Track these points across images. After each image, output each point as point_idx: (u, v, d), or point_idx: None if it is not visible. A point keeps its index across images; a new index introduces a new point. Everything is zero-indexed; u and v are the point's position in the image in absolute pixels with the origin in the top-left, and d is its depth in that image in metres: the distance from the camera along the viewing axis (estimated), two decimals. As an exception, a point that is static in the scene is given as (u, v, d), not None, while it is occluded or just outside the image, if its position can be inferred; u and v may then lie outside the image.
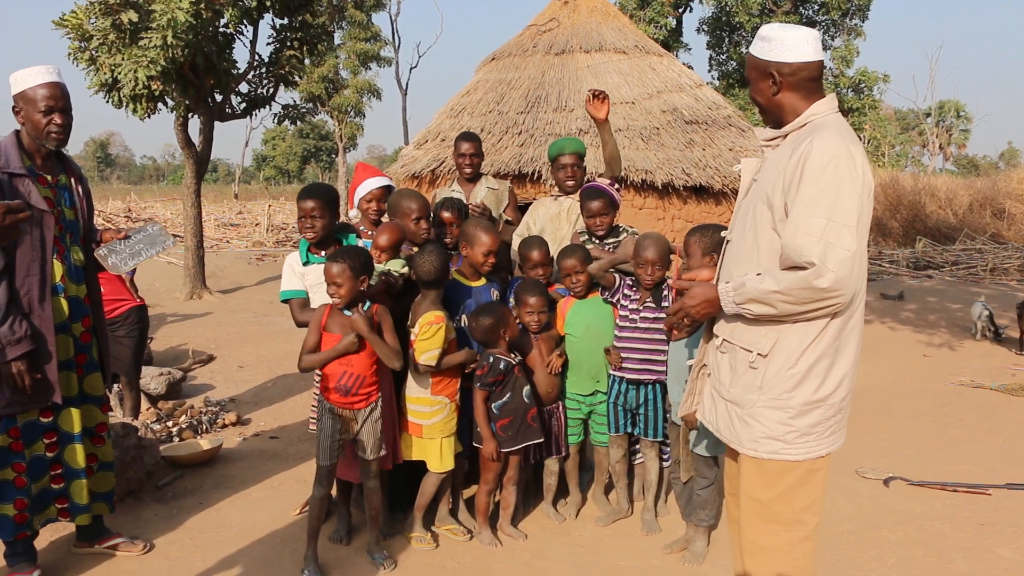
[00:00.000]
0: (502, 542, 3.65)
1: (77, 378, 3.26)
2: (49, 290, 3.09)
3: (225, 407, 5.82)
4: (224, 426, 5.37)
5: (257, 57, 10.94)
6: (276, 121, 12.20)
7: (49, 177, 3.20)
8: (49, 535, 3.57)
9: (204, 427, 5.26)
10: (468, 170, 4.73)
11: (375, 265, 3.43)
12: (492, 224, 3.96)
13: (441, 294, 3.52)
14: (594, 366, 3.83)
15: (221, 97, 10.72)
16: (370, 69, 32.34)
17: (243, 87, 11.04)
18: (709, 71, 25.41)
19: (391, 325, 3.33)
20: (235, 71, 10.61)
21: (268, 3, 10.23)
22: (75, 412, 3.23)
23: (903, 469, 4.58)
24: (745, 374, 2.28)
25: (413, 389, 3.54)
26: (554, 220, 4.31)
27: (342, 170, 32.50)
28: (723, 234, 2.57)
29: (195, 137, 10.99)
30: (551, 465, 3.88)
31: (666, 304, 3.63)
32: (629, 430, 3.80)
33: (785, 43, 2.24)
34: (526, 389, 3.59)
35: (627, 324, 3.73)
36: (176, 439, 4.97)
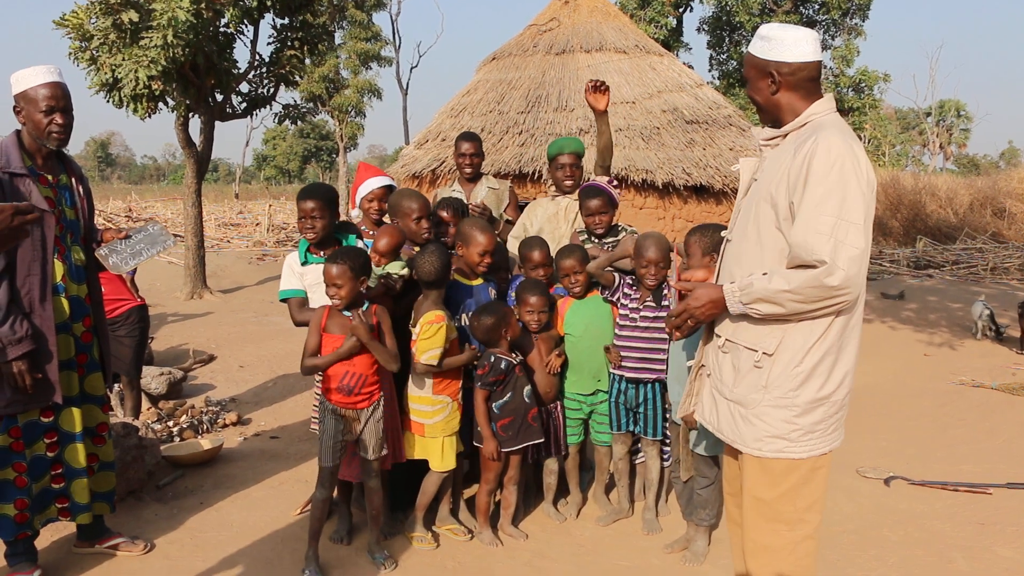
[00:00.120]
0: (503, 542, 3.65)
1: (78, 378, 3.26)
2: (50, 290, 3.09)
3: (226, 407, 5.82)
4: (225, 426, 5.37)
5: (258, 57, 10.94)
6: (277, 121, 12.20)
7: (50, 177, 3.20)
8: (50, 535, 3.57)
9: (205, 427, 5.26)
10: (468, 170, 4.73)
11: (374, 268, 3.43)
12: (489, 224, 3.95)
13: (443, 294, 3.52)
14: (595, 365, 3.83)
15: (222, 97, 10.72)
16: (371, 69, 32.35)
17: (244, 87, 11.04)
18: (709, 71, 25.42)
19: (390, 327, 3.33)
20: (236, 71, 10.61)
21: (269, 3, 10.23)
22: (76, 412, 3.23)
23: (904, 469, 4.58)
24: (749, 373, 2.29)
25: (415, 388, 3.54)
26: (552, 220, 4.31)
27: (343, 170, 32.50)
28: (723, 234, 2.57)
29: (196, 137, 10.99)
30: (551, 465, 3.88)
31: (666, 304, 3.63)
32: (631, 428, 3.80)
33: (785, 43, 2.25)
34: (527, 389, 3.59)
35: (627, 323, 3.73)
36: (177, 439, 4.97)
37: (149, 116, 9.68)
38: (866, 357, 7.26)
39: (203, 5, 8.81)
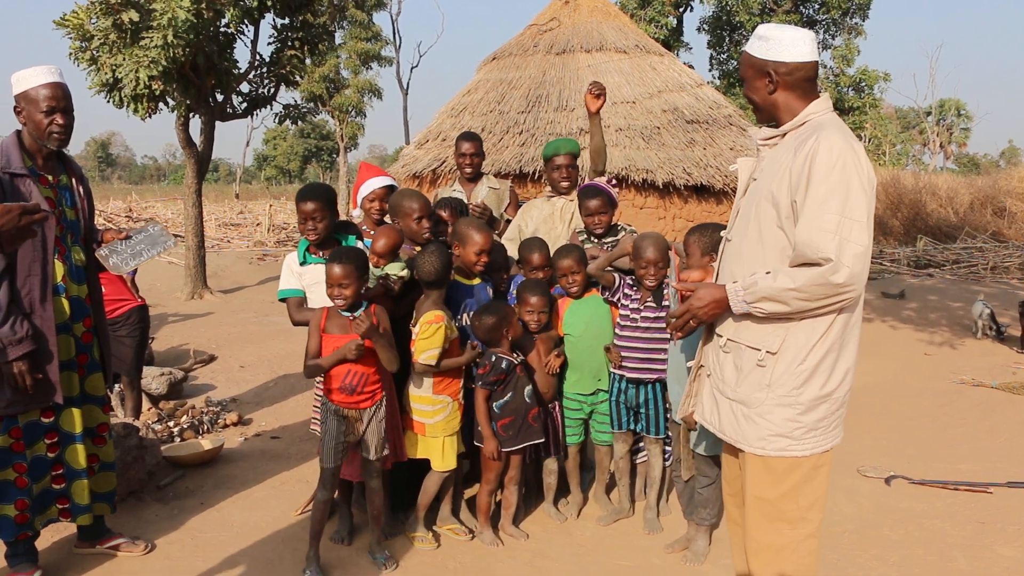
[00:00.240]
0: (504, 542, 3.65)
1: (78, 378, 3.26)
2: (50, 290, 3.09)
3: (226, 407, 5.82)
4: (225, 426, 5.37)
5: (258, 57, 10.94)
6: (277, 121, 12.19)
7: (50, 177, 3.21)
8: (50, 535, 3.58)
9: (205, 427, 5.26)
10: (469, 170, 4.73)
11: (373, 269, 3.43)
12: (485, 223, 3.95)
13: (443, 294, 3.52)
14: (595, 365, 3.83)
15: (222, 97, 10.72)
16: (371, 69, 32.35)
17: (244, 87, 11.04)
18: (710, 70, 25.44)
19: (388, 326, 3.33)
20: (236, 71, 10.61)
21: (269, 3, 10.22)
22: (76, 412, 3.23)
23: (904, 468, 4.58)
24: (752, 373, 2.29)
25: (415, 388, 3.54)
26: (548, 221, 4.31)
27: (343, 170, 32.50)
28: (722, 234, 2.58)
29: (196, 137, 10.99)
30: (550, 465, 3.88)
31: (667, 304, 3.63)
32: (632, 427, 3.80)
33: (783, 43, 2.26)
34: (528, 389, 3.59)
35: (628, 324, 3.73)
36: (177, 439, 4.97)
37: (149, 116, 9.68)
38: (867, 356, 7.26)
39: (203, 5, 8.81)
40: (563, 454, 3.91)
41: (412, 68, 53.10)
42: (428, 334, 3.38)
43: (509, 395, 3.55)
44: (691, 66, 11.22)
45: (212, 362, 7.35)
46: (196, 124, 11.00)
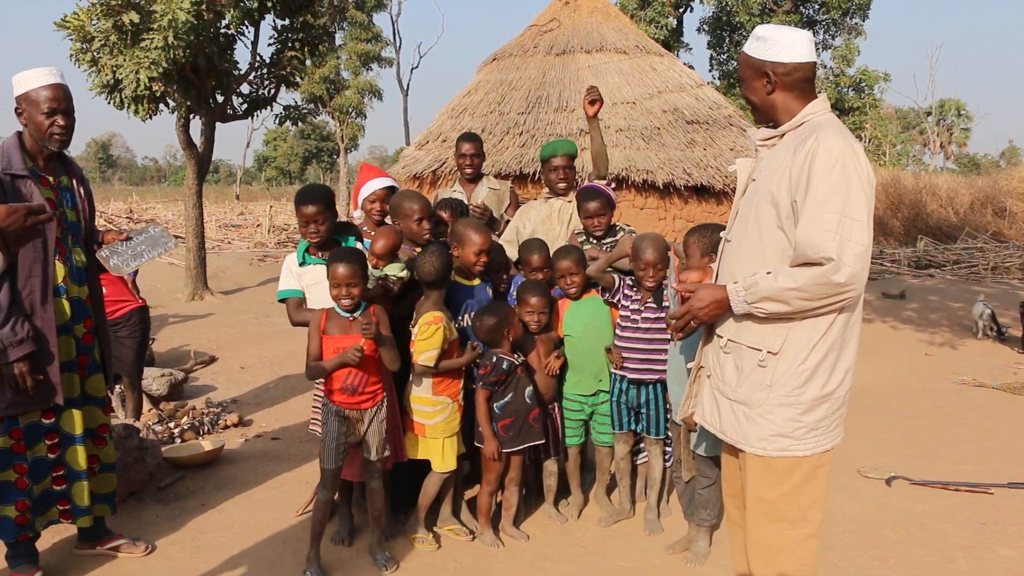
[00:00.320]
0: (504, 543, 3.65)
1: (79, 379, 3.26)
2: (51, 291, 3.09)
3: (227, 408, 5.82)
4: (226, 427, 5.37)
5: (258, 58, 10.94)
6: (277, 122, 12.19)
7: (51, 178, 3.21)
8: (51, 536, 3.58)
9: (206, 428, 5.26)
10: (469, 170, 4.73)
11: (372, 271, 3.44)
12: (483, 224, 3.95)
13: (443, 294, 3.53)
14: (595, 366, 3.83)
15: (222, 98, 10.72)
16: (371, 70, 32.34)
17: (244, 88, 11.04)
18: (710, 71, 25.45)
19: (388, 327, 3.33)
20: (236, 72, 10.61)
21: (269, 4, 10.23)
22: (77, 413, 3.24)
23: (905, 468, 4.58)
24: (753, 373, 2.29)
25: (415, 389, 3.54)
26: (546, 222, 4.31)
27: (343, 171, 32.51)
28: (721, 234, 2.58)
29: (196, 138, 10.99)
30: (550, 466, 3.88)
31: (666, 304, 3.63)
32: (633, 427, 3.80)
33: (781, 43, 2.27)
34: (528, 389, 3.59)
35: (629, 324, 3.73)
36: (178, 440, 4.97)
37: (150, 117, 9.69)
38: (867, 357, 7.26)
39: (203, 6, 8.82)
40: (563, 455, 3.91)
41: (412, 69, 53.20)
42: (427, 335, 3.38)
43: (510, 396, 3.55)
44: (691, 67, 11.23)
45: (212, 363, 7.35)
46: (196, 125, 11.01)
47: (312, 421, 3.88)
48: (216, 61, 9.90)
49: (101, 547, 3.47)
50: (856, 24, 23.80)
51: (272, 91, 11.31)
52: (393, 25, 36.34)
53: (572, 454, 3.94)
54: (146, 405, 5.52)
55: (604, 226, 4.00)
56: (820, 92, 2.36)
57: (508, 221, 4.60)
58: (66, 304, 3.19)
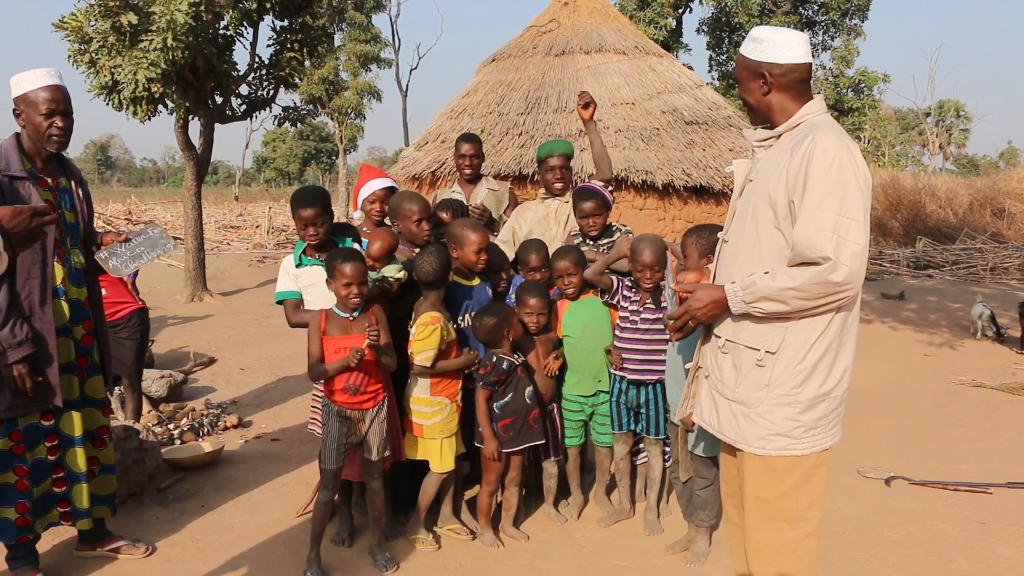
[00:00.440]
0: (504, 543, 3.65)
1: (78, 381, 3.26)
2: (50, 293, 3.09)
3: (226, 409, 5.82)
4: (225, 428, 5.37)
5: (257, 59, 10.95)
6: (276, 123, 12.19)
7: (49, 180, 3.21)
8: (51, 538, 3.57)
9: (205, 429, 5.26)
10: (468, 171, 4.73)
11: (370, 272, 3.44)
12: (479, 223, 3.95)
13: (442, 295, 3.53)
14: (595, 366, 3.84)
15: (221, 99, 10.73)
16: (370, 71, 32.36)
17: (243, 89, 11.04)
18: (709, 71, 25.47)
19: (387, 328, 3.34)
20: (235, 73, 10.62)
21: (268, 5, 10.23)
22: (76, 415, 3.23)
23: (904, 468, 4.58)
24: (751, 373, 2.30)
25: (414, 389, 3.54)
26: (542, 222, 4.31)
27: (342, 172, 32.51)
28: (719, 235, 2.59)
29: (195, 139, 10.99)
30: (550, 468, 3.88)
31: (665, 305, 3.63)
32: (633, 427, 3.80)
33: (777, 44, 2.29)
34: (528, 390, 3.59)
35: (628, 325, 3.74)
36: (178, 442, 4.97)
37: (149, 119, 9.69)
38: (866, 357, 7.26)
39: (202, 8, 8.82)
40: (563, 456, 3.91)
41: (411, 70, 53.10)
42: (424, 335, 3.38)
43: (510, 396, 3.55)
44: (690, 67, 11.24)
45: (212, 364, 7.35)
46: (195, 126, 11.01)
47: (311, 422, 3.88)
48: (215, 62, 9.90)
49: (101, 549, 3.47)
50: (855, 25, 23.83)
51: (271, 92, 11.32)
52: (392, 26, 36.32)
53: (572, 454, 3.94)
54: (146, 407, 5.52)
55: (599, 226, 4.00)
56: (819, 93, 2.37)
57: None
58: (65, 306, 3.18)
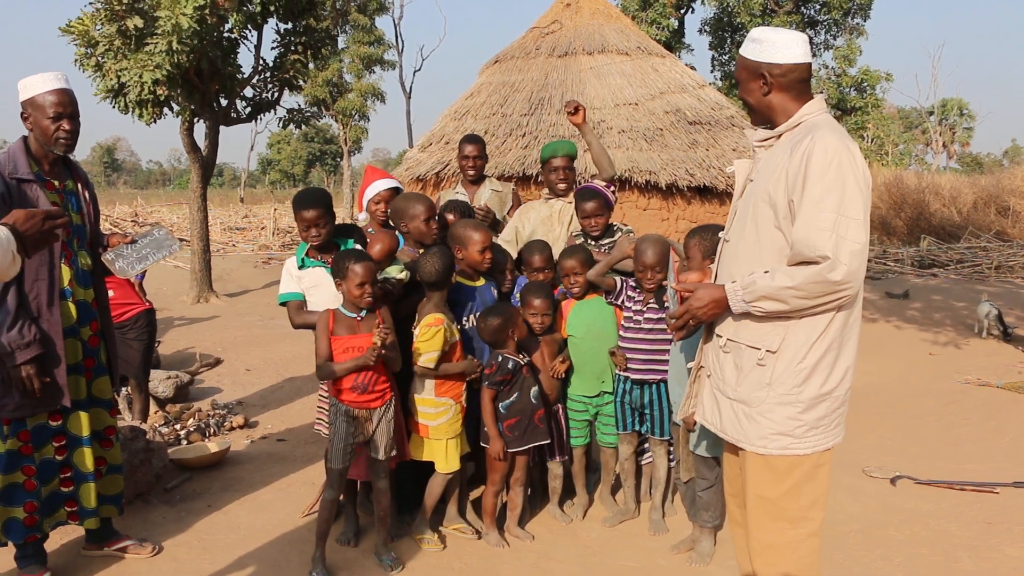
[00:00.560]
0: (509, 543, 3.66)
1: (85, 382, 3.28)
2: (57, 294, 3.11)
3: (232, 410, 5.84)
4: (232, 429, 5.39)
5: (262, 62, 10.98)
6: (281, 125, 12.22)
7: (56, 182, 3.23)
8: (59, 537, 3.60)
9: (212, 430, 5.28)
10: (472, 172, 4.75)
11: None
12: (480, 223, 3.96)
13: (445, 296, 3.54)
14: (598, 367, 3.84)
15: (226, 101, 10.76)
16: (374, 73, 32.36)
17: (248, 91, 11.07)
18: (711, 72, 25.44)
19: (392, 328, 3.35)
20: (240, 76, 10.64)
21: (272, 8, 10.27)
22: (84, 416, 3.25)
23: (909, 468, 4.58)
24: (752, 372, 2.30)
25: (419, 390, 3.56)
26: (546, 222, 4.32)
27: (347, 173, 32.55)
28: (720, 235, 2.60)
29: (201, 141, 11.03)
30: (554, 468, 3.89)
31: (667, 305, 3.64)
32: (637, 428, 3.81)
33: (776, 45, 2.30)
34: (534, 390, 3.60)
35: (631, 326, 3.74)
36: (184, 442, 4.99)
37: (154, 121, 9.73)
38: (871, 356, 7.25)
39: (207, 11, 8.85)
40: (568, 456, 3.92)
41: (415, 72, 53.15)
42: (427, 337, 3.40)
43: (515, 396, 3.56)
44: (693, 67, 11.24)
45: (218, 365, 7.37)
46: (201, 129, 11.05)
47: (317, 422, 3.89)
48: (220, 65, 9.93)
49: (108, 548, 3.49)
50: (858, 24, 23.79)
51: (275, 94, 11.35)
52: (395, 28, 36.32)
53: (577, 455, 3.95)
54: (152, 407, 5.54)
55: (601, 226, 4.01)
56: (821, 92, 2.38)
57: (511, 223, 4.61)
58: (72, 307, 3.21)
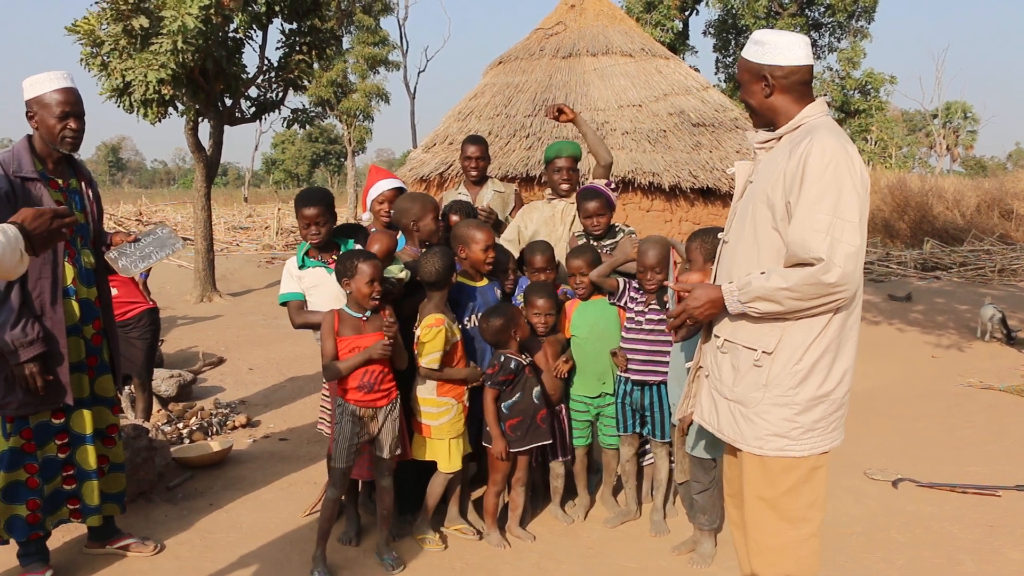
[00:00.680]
0: (511, 543, 3.66)
1: (88, 380, 3.29)
2: (60, 293, 3.12)
3: (235, 409, 5.85)
4: (234, 428, 5.40)
5: (266, 61, 11.00)
6: (285, 125, 12.25)
7: (60, 181, 3.24)
8: (62, 535, 3.61)
9: (214, 429, 5.29)
10: (475, 173, 4.75)
11: None
12: (483, 224, 3.96)
13: (446, 296, 3.54)
14: (600, 367, 3.85)
15: (231, 101, 10.79)
16: (378, 73, 32.38)
17: (252, 91, 11.10)
18: (716, 74, 25.42)
19: (396, 325, 3.36)
20: (244, 75, 10.67)
21: (277, 8, 10.29)
22: (87, 414, 3.26)
23: (911, 470, 4.57)
24: (749, 372, 2.30)
25: (420, 390, 3.56)
26: (548, 223, 4.33)
27: (351, 174, 32.59)
28: (719, 236, 2.60)
29: (205, 141, 11.05)
30: (557, 468, 3.89)
31: (669, 306, 3.64)
32: (638, 430, 3.81)
33: (778, 47, 2.30)
34: (536, 390, 3.61)
35: (633, 327, 3.75)
36: (187, 441, 5.00)
37: (159, 121, 9.76)
38: (873, 359, 7.25)
39: (212, 11, 8.87)
40: (570, 456, 3.92)
41: (419, 72, 53.33)
42: (429, 337, 3.40)
43: (517, 395, 3.57)
44: (697, 69, 11.23)
45: (221, 364, 7.39)
46: (205, 128, 11.08)
47: (320, 422, 3.90)
48: (224, 65, 9.96)
49: (111, 546, 3.50)
50: (862, 27, 23.76)
51: (280, 94, 11.37)
52: (400, 29, 36.52)
53: (579, 455, 3.95)
54: (155, 406, 5.56)
55: (603, 226, 4.02)
56: (825, 95, 2.38)
57: (514, 224, 4.61)
58: (75, 305, 3.22)
